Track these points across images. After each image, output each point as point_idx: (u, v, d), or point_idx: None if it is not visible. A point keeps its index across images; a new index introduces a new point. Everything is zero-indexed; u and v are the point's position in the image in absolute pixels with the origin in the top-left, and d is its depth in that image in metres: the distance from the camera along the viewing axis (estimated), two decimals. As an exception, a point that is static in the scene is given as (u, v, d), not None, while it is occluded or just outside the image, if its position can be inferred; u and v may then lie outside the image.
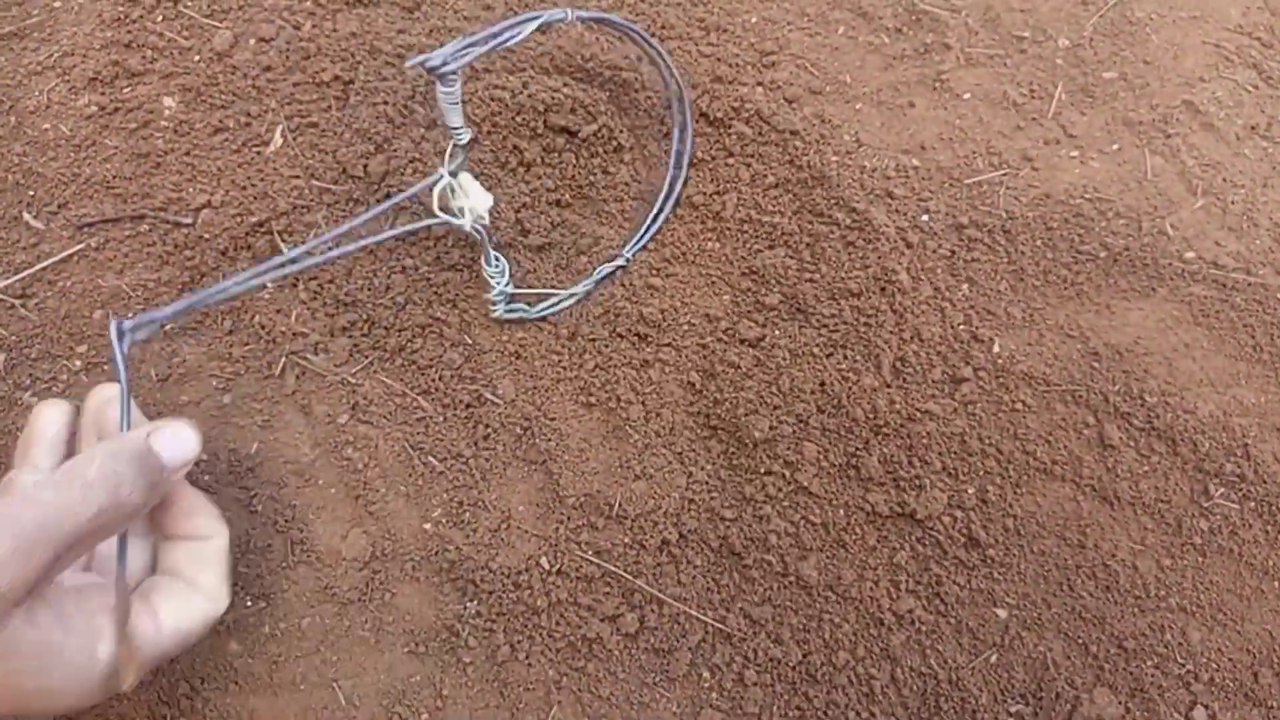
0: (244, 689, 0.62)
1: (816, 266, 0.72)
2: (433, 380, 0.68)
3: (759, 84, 0.77)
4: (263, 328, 0.68)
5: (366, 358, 0.69)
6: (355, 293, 0.69)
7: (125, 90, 0.71)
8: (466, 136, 0.62)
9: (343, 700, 0.63)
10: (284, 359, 0.67)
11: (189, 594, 0.54)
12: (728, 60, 0.77)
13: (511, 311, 0.70)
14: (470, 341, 0.70)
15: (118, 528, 0.50)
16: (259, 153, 0.70)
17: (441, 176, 0.64)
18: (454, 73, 0.59)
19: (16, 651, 0.45)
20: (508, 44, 0.61)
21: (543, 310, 0.71)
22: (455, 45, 0.58)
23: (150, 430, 0.52)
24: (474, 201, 0.64)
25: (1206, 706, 0.66)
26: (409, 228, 0.65)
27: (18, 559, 0.44)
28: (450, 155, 0.63)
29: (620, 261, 0.73)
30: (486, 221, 0.66)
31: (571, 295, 0.72)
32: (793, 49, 0.79)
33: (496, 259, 0.68)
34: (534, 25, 0.62)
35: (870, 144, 0.75)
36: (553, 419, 0.69)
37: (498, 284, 0.68)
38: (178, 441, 0.53)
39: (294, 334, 0.68)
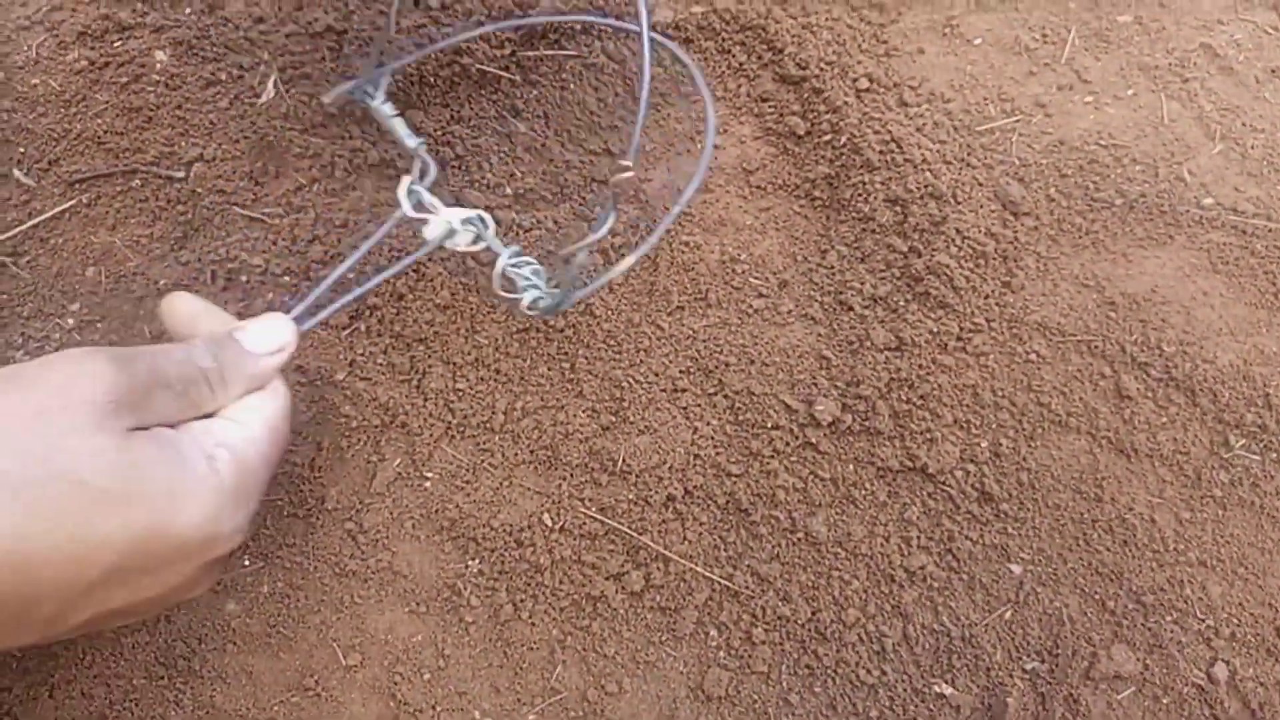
0: (242, 649, 0.61)
1: (824, 217, 0.70)
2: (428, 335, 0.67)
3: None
4: (260, 283, 0.67)
5: (364, 320, 0.67)
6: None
7: (115, 44, 0.70)
8: (414, 142, 0.62)
9: (343, 660, 0.61)
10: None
11: (259, 397, 0.54)
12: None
13: (556, 305, 0.59)
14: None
15: (207, 395, 0.51)
16: (251, 105, 0.69)
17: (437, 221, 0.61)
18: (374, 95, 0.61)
19: (147, 472, 0.45)
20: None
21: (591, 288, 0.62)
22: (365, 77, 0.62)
23: (238, 326, 0.54)
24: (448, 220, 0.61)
25: (1227, 662, 0.64)
26: (406, 262, 0.61)
27: (116, 375, 0.45)
28: (417, 170, 0.62)
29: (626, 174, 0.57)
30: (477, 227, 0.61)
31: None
32: (798, -4, 0.77)
33: (518, 256, 0.60)
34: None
35: (877, 89, 0.73)
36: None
37: (530, 283, 0.59)
38: (262, 335, 0.54)
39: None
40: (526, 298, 0.59)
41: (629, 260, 0.59)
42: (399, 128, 0.62)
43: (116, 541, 0.44)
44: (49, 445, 0.42)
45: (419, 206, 0.61)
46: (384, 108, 0.61)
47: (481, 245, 0.61)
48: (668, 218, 0.62)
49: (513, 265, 0.60)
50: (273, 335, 0.55)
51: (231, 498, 0.48)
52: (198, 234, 0.67)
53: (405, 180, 0.61)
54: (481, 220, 0.61)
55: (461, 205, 0.62)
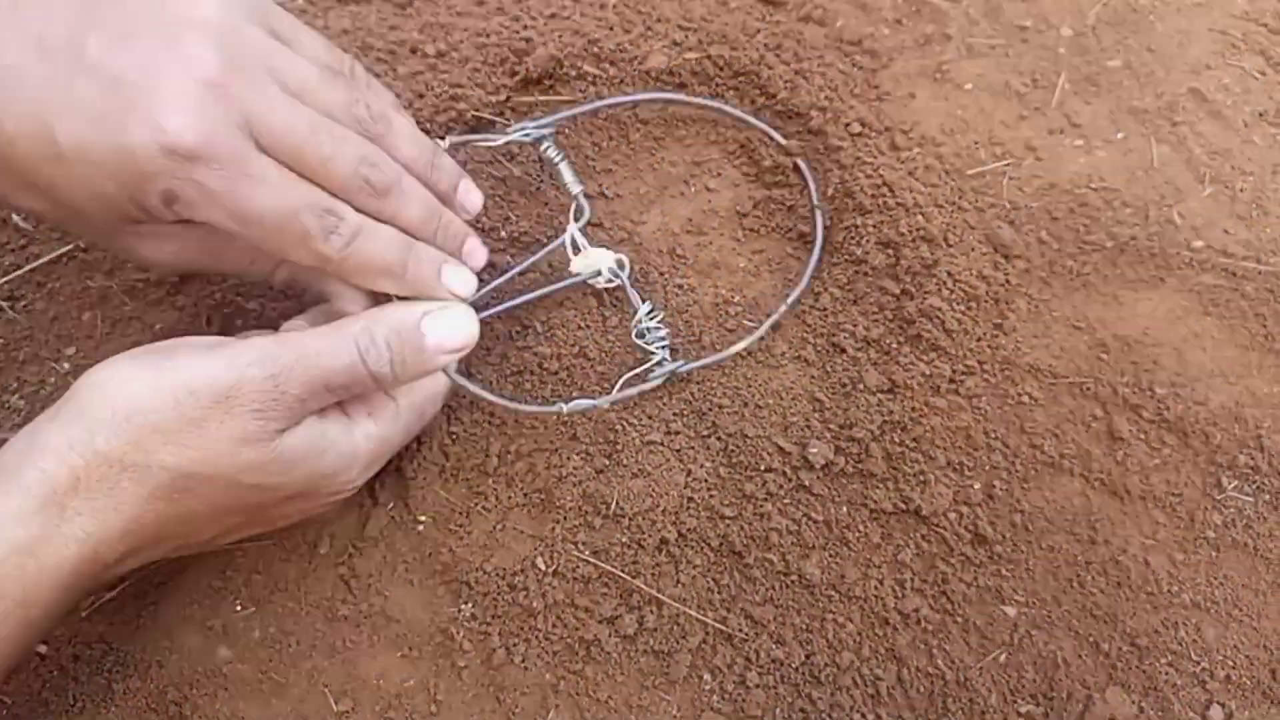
0: (234, 695, 0.61)
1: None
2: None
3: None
4: (255, 327, 0.67)
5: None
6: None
7: (114, 90, 0.71)
8: (577, 188, 0.68)
9: (335, 706, 0.61)
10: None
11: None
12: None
13: (680, 368, 0.67)
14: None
15: (371, 388, 0.55)
16: (249, 151, 0.69)
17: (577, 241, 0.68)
18: (547, 140, 0.68)
19: (296, 467, 0.53)
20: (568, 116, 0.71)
21: (715, 358, 0.68)
22: (546, 119, 0.69)
23: (427, 310, 0.57)
24: (594, 260, 0.68)
25: (1223, 705, 0.64)
26: (555, 287, 0.68)
27: (271, 391, 0.50)
28: (574, 211, 0.68)
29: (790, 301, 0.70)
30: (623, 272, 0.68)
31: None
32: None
33: (650, 316, 0.67)
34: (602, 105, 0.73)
35: (869, 134, 0.74)
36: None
37: (658, 344, 0.67)
38: (450, 328, 0.57)
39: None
40: (656, 355, 0.66)
41: (744, 342, 0.68)
42: (566, 172, 0.68)
43: (261, 505, 0.54)
44: (206, 449, 0.49)
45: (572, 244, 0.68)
46: (551, 153, 0.68)
47: (614, 284, 0.68)
48: (790, 297, 0.70)
49: (646, 325, 0.67)
50: (461, 332, 0.58)
51: (366, 462, 0.57)
52: (194, 279, 0.67)
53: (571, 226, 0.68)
54: (620, 265, 0.68)
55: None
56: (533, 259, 0.68)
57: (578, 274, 0.68)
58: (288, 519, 0.58)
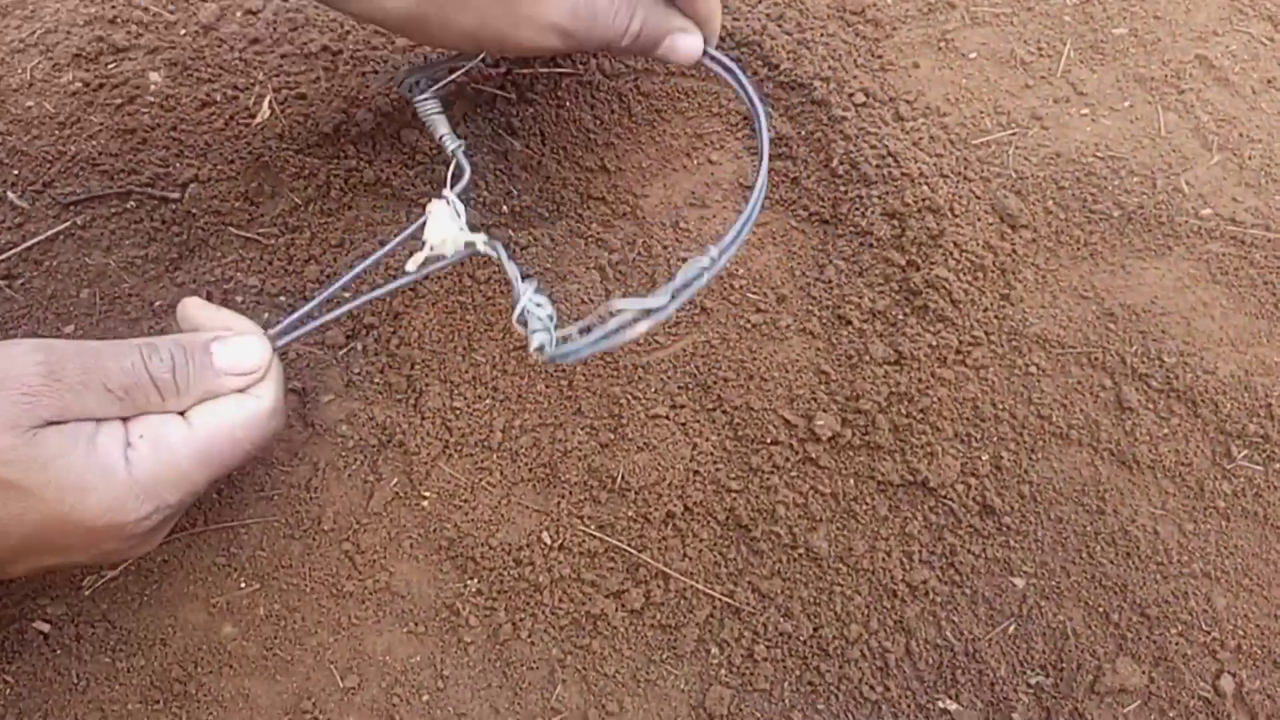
0: (239, 672, 0.61)
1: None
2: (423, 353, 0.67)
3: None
4: (255, 304, 0.67)
5: (360, 339, 0.67)
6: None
7: (110, 66, 0.70)
8: (454, 145, 0.62)
9: (340, 682, 0.61)
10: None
11: (227, 399, 0.54)
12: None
13: (563, 355, 0.54)
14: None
15: (155, 399, 0.52)
16: (246, 125, 0.69)
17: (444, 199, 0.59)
18: (423, 92, 0.63)
19: (51, 467, 0.47)
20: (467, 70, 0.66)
21: (602, 340, 0.53)
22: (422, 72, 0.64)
23: (218, 336, 0.55)
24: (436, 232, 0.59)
25: (1233, 674, 0.63)
26: (438, 266, 0.59)
27: (45, 378, 0.47)
28: (452, 174, 0.62)
29: (705, 263, 0.56)
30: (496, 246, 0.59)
31: (648, 314, 0.54)
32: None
33: (528, 283, 0.55)
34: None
35: (873, 104, 0.73)
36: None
37: (537, 316, 0.54)
38: (239, 353, 0.55)
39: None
40: (534, 341, 0.54)
41: (642, 325, 0.54)
42: (440, 125, 0.62)
43: (20, 526, 0.48)
44: None
45: (437, 219, 0.59)
46: (428, 103, 0.63)
47: (464, 254, 0.59)
48: (711, 270, 0.57)
49: (531, 301, 0.55)
50: (246, 358, 0.55)
51: (138, 490, 0.50)
52: (193, 255, 0.67)
53: (436, 206, 0.59)
54: (491, 246, 0.59)
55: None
56: (397, 240, 0.60)
57: (439, 254, 0.59)
58: (74, 550, 0.51)
